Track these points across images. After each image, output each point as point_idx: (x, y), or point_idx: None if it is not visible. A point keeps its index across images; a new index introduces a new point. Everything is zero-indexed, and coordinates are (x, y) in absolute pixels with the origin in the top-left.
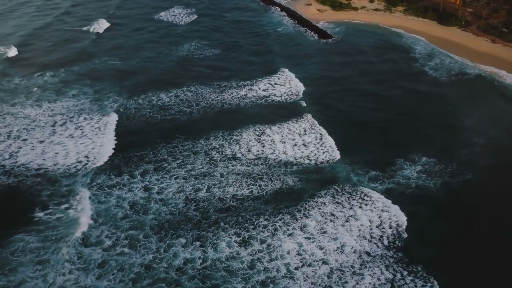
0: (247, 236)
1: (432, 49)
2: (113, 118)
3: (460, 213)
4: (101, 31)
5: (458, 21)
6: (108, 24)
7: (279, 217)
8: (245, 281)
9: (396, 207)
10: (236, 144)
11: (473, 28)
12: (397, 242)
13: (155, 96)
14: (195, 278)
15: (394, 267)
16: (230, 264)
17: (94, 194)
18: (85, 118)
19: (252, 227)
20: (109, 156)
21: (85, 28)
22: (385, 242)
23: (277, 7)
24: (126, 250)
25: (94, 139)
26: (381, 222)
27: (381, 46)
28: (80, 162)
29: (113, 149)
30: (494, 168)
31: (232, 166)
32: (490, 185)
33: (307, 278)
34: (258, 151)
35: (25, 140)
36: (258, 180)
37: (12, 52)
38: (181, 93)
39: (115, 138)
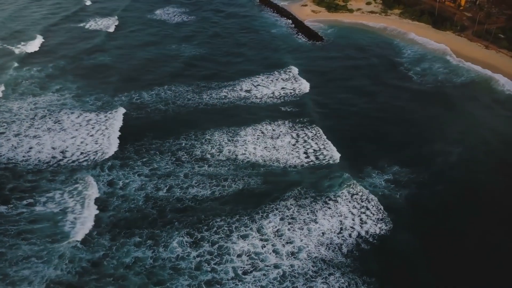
0: (199, 237)
1: (422, 53)
2: (92, 115)
3: (423, 225)
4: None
5: (453, 26)
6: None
7: (235, 219)
8: (192, 278)
9: (359, 215)
10: (208, 143)
11: (468, 33)
12: (355, 251)
13: (137, 94)
14: (141, 274)
15: (350, 276)
16: (178, 263)
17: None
18: (65, 113)
19: (205, 227)
20: (82, 152)
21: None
22: (344, 250)
23: (271, 7)
24: (79, 245)
25: (74, 134)
26: (342, 229)
27: (369, 49)
28: (54, 157)
29: (86, 144)
30: (466, 180)
31: (199, 167)
32: (459, 197)
33: (256, 282)
34: (229, 152)
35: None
36: (222, 181)
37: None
38: (162, 92)
39: (90, 135)
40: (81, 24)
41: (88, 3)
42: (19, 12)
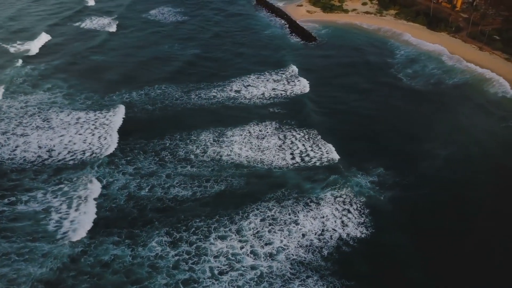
0: (178, 237)
1: (415, 54)
2: (82, 114)
3: (406, 229)
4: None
5: (448, 27)
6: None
7: (215, 219)
8: (169, 277)
9: (341, 217)
10: (193, 143)
11: (463, 34)
12: (335, 254)
13: (127, 94)
14: (120, 273)
15: (328, 279)
16: (157, 262)
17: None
18: (54, 111)
19: (184, 228)
20: (69, 151)
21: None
22: (324, 253)
23: (267, 7)
24: (59, 243)
25: (62, 132)
26: (323, 232)
27: (362, 50)
28: (40, 156)
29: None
30: (451, 184)
31: (182, 167)
32: (443, 201)
33: (233, 282)
34: (214, 152)
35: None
36: (204, 182)
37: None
38: (151, 92)
39: (79, 133)
40: (81, 24)
41: (91, 3)
42: (17, 12)
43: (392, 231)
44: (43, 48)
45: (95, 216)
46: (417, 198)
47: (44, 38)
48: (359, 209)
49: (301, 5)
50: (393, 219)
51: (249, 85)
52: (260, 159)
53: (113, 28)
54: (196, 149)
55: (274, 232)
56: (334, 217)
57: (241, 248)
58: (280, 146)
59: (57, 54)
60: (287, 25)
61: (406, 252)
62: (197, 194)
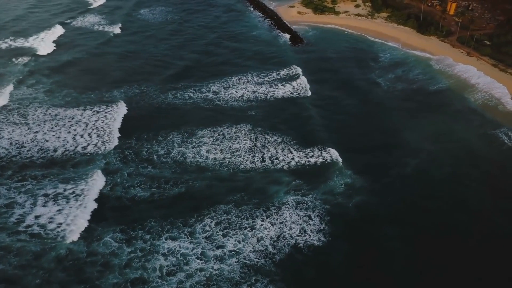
0: (133, 235)
1: (400, 58)
2: (60, 111)
3: (364, 238)
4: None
5: (438, 31)
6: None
7: (169, 221)
8: (121, 275)
9: (301, 224)
10: (158, 145)
11: (453, 39)
12: (287, 260)
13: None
14: (71, 270)
15: (277, 284)
16: (110, 259)
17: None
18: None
19: (140, 227)
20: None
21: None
22: (276, 258)
23: (258, 7)
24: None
25: (35, 129)
26: (279, 237)
27: (347, 53)
28: (10, 152)
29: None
30: (417, 195)
31: (143, 168)
32: (407, 210)
33: (180, 284)
34: (179, 153)
35: None
36: (163, 184)
37: None
38: (129, 91)
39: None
40: (86, 25)
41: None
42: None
43: (350, 240)
44: (29, 45)
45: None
46: (383, 206)
47: (32, 35)
48: (321, 215)
49: (293, 6)
50: (355, 227)
51: (229, 87)
52: (227, 161)
53: (104, 28)
54: (161, 150)
55: (229, 236)
56: (293, 223)
57: (192, 249)
58: (249, 148)
59: (50, 52)
60: (276, 27)
61: (350, 263)
62: (155, 195)
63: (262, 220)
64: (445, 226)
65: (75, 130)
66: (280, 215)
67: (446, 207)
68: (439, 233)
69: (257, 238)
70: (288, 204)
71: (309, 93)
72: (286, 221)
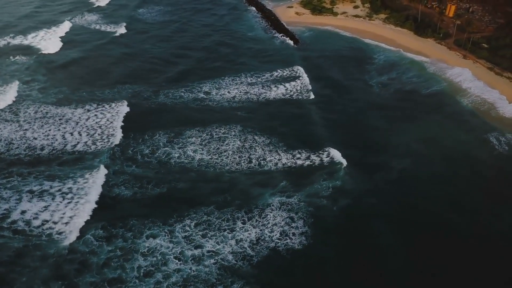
0: (114, 233)
1: (395, 60)
2: (51, 108)
3: (349, 244)
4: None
5: (435, 33)
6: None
7: (149, 220)
8: (98, 275)
9: (283, 226)
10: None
11: (450, 41)
12: (265, 263)
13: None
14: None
15: (253, 287)
16: (88, 257)
17: None
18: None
19: (121, 224)
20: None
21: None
22: (254, 261)
23: (256, 7)
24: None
25: (25, 126)
26: (259, 240)
27: (342, 54)
28: None
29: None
30: (403, 202)
31: (127, 166)
32: (395, 214)
33: (157, 284)
34: (164, 153)
35: None
36: (146, 184)
37: None
38: (123, 90)
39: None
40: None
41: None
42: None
43: (332, 244)
44: (27, 43)
45: None
46: (369, 210)
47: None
48: (304, 218)
49: (291, 7)
50: (339, 231)
51: (221, 87)
52: (213, 162)
53: (102, 27)
54: (146, 149)
55: (208, 237)
56: (275, 226)
57: (170, 249)
58: (238, 149)
59: (49, 49)
60: (272, 27)
61: (336, 267)
62: (137, 194)
63: (243, 222)
64: (438, 227)
65: (64, 128)
66: (262, 217)
67: (437, 208)
68: (433, 234)
69: (236, 240)
70: (272, 205)
71: (303, 95)
72: (268, 223)
